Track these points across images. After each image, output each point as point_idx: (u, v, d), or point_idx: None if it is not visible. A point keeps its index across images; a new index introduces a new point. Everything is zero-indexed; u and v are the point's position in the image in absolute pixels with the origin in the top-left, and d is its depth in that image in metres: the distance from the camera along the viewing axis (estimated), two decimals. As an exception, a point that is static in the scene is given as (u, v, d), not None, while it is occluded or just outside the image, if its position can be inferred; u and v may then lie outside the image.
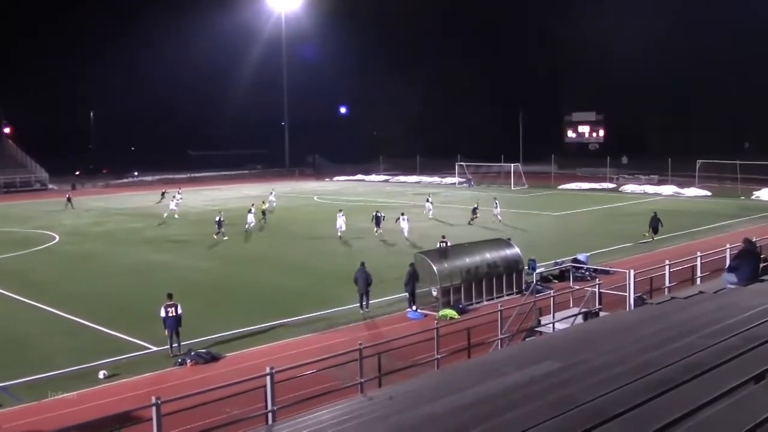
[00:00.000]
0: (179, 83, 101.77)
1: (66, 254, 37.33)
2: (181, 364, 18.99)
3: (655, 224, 38.80)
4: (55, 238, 42.40)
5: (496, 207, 46.98)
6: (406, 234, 40.53)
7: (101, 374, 18.16)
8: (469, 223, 44.23)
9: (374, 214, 43.51)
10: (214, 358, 19.40)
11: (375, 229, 42.67)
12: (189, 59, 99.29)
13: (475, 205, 47.29)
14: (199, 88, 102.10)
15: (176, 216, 51.23)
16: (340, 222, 41.84)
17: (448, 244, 31.27)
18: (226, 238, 40.67)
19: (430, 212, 49.83)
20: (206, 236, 42.23)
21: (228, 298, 26.82)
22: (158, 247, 38.51)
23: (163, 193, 60.27)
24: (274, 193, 60.53)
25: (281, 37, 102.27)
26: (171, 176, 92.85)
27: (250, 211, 44.85)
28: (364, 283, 24.40)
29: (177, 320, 19.83)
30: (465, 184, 77.27)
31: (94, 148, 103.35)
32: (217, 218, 41.20)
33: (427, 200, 52.38)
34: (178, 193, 59.55)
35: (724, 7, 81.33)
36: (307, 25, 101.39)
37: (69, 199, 59.98)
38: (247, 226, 43.45)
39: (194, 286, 28.39)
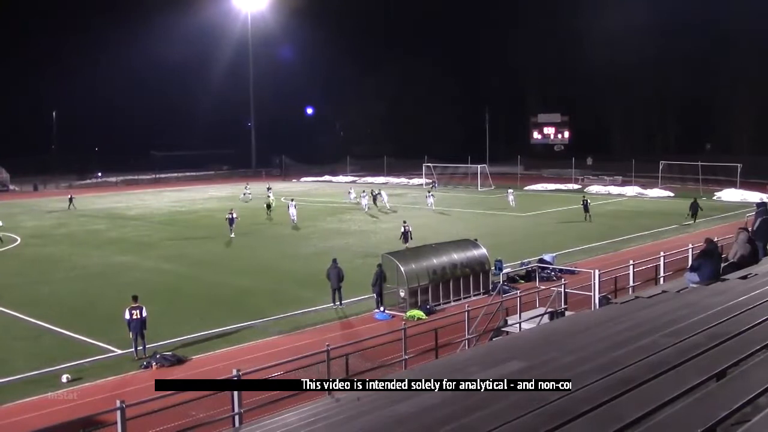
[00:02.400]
0: (144, 83, 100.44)
1: (28, 256, 36.64)
2: (147, 367, 18.76)
3: (695, 209, 44.21)
4: (17, 240, 41.60)
5: (509, 194, 56.22)
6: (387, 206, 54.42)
7: (64, 378, 17.85)
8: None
9: (372, 194, 56.17)
10: (179, 361, 19.19)
11: (377, 205, 54.82)
12: (153, 59, 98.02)
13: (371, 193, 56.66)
14: (164, 88, 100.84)
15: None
16: (366, 201, 53.87)
17: (410, 228, 35.12)
18: (233, 235, 41.07)
19: (432, 206, 55.00)
20: (171, 238, 41.84)
21: (194, 299, 26.52)
22: (122, 249, 37.99)
23: (269, 188, 61.93)
24: (353, 190, 63.10)
25: (247, 38, 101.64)
26: (135, 177, 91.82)
27: (290, 205, 48.22)
28: (336, 278, 24.62)
29: (142, 323, 19.58)
30: (430, 186, 77.18)
31: (57, 148, 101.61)
32: (228, 216, 42.01)
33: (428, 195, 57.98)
34: (246, 188, 65.97)
35: (686, 9, 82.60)
36: (273, 25, 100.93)
37: (71, 200, 59.40)
38: (292, 219, 46.69)
39: (159, 288, 28.08)
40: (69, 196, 60.87)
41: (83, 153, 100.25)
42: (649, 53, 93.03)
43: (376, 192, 58.17)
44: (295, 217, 46.98)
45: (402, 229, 35.60)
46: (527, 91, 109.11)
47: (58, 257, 36.12)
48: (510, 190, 58.12)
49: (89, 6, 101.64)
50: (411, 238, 34.94)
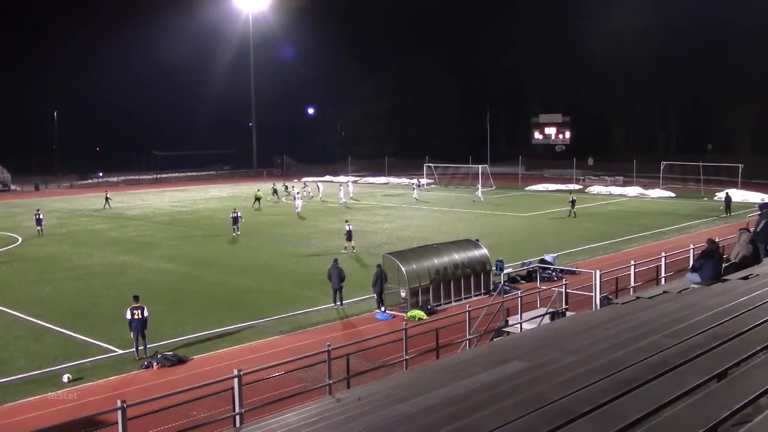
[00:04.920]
0: (145, 83, 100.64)
1: (29, 256, 36.65)
2: (148, 367, 18.77)
3: (728, 202, 49.05)
4: (17, 240, 41.63)
5: (478, 190, 62.88)
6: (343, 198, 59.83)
7: (65, 378, 17.86)
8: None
9: (273, 186, 65.85)
10: (180, 361, 19.20)
11: (275, 198, 63.14)
12: (155, 59, 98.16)
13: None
14: (165, 88, 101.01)
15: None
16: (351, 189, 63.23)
17: (351, 227, 36.07)
18: (238, 232, 42.03)
19: (416, 197, 62.73)
20: (172, 237, 41.86)
21: (195, 299, 26.52)
22: (123, 249, 37.99)
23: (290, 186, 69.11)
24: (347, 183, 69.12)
25: (248, 38, 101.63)
26: (136, 177, 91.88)
27: (295, 198, 54.67)
28: (337, 279, 24.66)
29: (143, 323, 19.60)
30: (415, 186, 76.93)
31: (58, 148, 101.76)
32: (233, 215, 42.91)
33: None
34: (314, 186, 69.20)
35: (686, 9, 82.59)
36: (274, 25, 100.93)
37: (107, 199, 59.46)
38: (297, 210, 52.18)
39: (160, 288, 28.09)
40: (105, 195, 60.68)
41: (84, 153, 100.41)
42: (651, 53, 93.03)
43: (277, 186, 67.97)
44: (300, 209, 52.24)
45: (346, 228, 36.12)
46: (528, 91, 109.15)
47: (60, 257, 36.13)
48: (478, 185, 65.29)
49: (91, 6, 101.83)
50: (352, 238, 35.85)
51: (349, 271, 26.38)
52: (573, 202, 49.75)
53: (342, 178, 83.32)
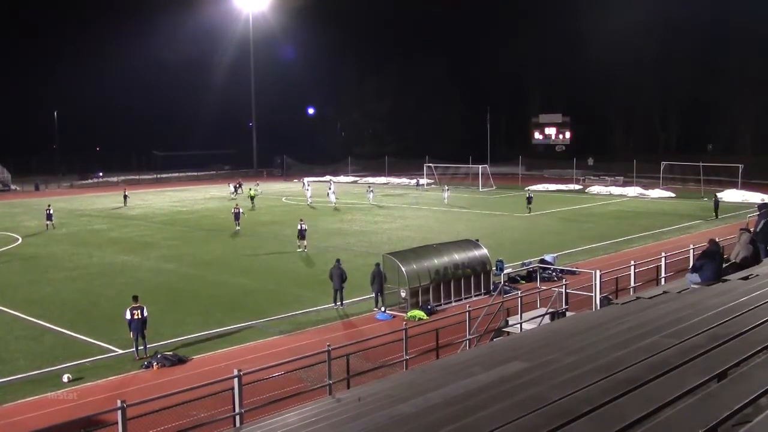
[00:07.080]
0: (145, 83, 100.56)
1: (29, 256, 36.63)
2: (148, 366, 18.76)
3: (716, 205, 48.57)
4: (17, 240, 41.63)
5: (444, 192, 61.39)
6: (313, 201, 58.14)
7: (65, 378, 17.86)
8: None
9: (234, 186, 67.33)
10: (180, 361, 19.20)
11: (233, 194, 64.83)
12: (155, 59, 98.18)
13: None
14: (165, 88, 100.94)
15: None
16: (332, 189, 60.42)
17: (305, 226, 36.39)
18: (239, 228, 43.59)
19: (371, 200, 61.04)
20: (172, 237, 41.85)
21: (195, 299, 26.51)
22: (123, 249, 37.98)
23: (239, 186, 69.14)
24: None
25: (249, 38, 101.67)
26: (136, 177, 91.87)
27: (329, 194, 58.55)
28: (339, 279, 24.69)
29: (142, 323, 19.59)
30: (416, 186, 77.68)
31: (58, 148, 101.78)
32: (234, 211, 45.00)
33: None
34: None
35: (686, 10, 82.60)
36: (274, 25, 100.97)
37: (125, 197, 60.48)
38: (333, 203, 57.12)
39: (160, 288, 28.08)
40: (123, 193, 61.84)
41: (85, 153, 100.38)
42: (651, 53, 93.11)
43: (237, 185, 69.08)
44: (334, 201, 57.24)
45: (299, 227, 36.54)
46: (528, 91, 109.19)
47: (60, 257, 36.11)
48: (446, 187, 65.26)
49: (92, 5, 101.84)
50: (305, 237, 36.30)
51: (349, 271, 26.33)
52: (529, 199, 51.69)
53: (308, 179, 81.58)
